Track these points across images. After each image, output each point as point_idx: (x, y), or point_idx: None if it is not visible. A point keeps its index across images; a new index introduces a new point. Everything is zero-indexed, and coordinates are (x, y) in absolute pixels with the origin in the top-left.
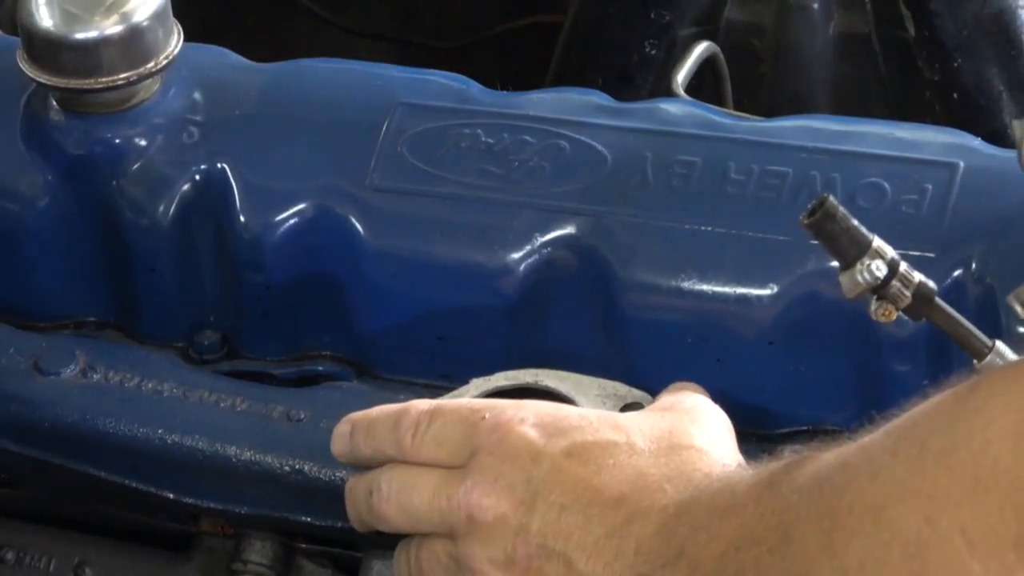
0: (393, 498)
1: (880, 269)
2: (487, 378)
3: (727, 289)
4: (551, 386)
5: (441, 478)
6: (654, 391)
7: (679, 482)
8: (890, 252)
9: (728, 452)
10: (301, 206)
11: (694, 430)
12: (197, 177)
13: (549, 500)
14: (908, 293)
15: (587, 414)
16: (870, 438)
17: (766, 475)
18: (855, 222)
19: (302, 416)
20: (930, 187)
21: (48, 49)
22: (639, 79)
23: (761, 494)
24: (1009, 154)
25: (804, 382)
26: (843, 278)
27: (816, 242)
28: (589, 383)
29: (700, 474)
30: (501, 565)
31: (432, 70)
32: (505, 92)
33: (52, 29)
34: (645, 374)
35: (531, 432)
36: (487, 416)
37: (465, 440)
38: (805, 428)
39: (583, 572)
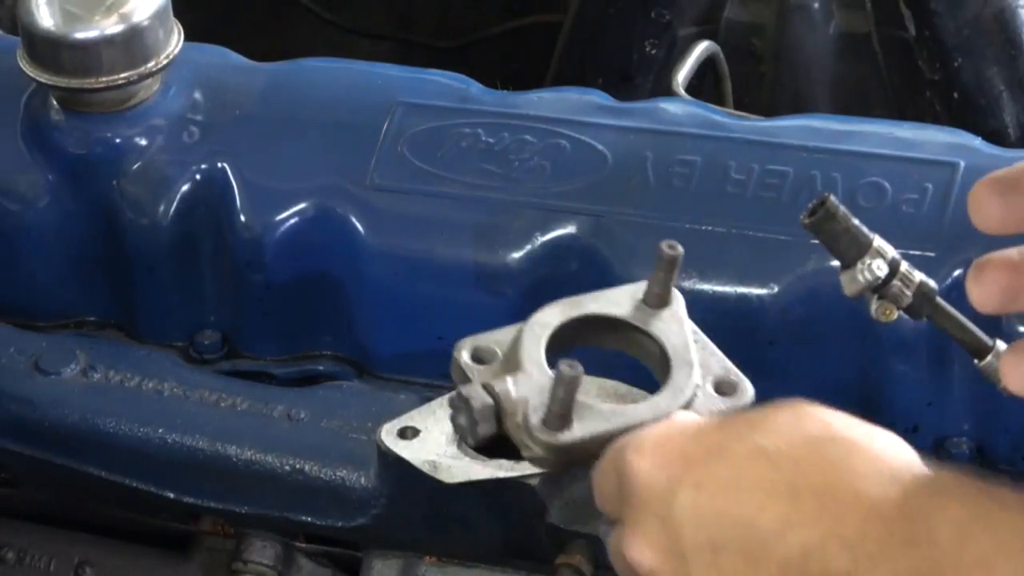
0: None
1: (881, 268)
2: None
3: (727, 289)
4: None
5: (615, 535)
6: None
7: (845, 497)
8: (891, 251)
9: (874, 437)
10: (301, 206)
11: (824, 418)
12: (197, 177)
13: (696, 543)
14: (909, 292)
15: (704, 426)
16: None
17: (977, 548)
18: (856, 221)
19: (302, 416)
20: (931, 187)
21: (48, 49)
22: (639, 79)
23: None
24: (1010, 154)
25: (804, 382)
26: (844, 277)
27: (817, 241)
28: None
29: (862, 479)
30: None
31: (432, 70)
32: (505, 92)
33: (52, 29)
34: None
35: (650, 470)
36: (617, 460)
37: (616, 490)
38: None
39: None
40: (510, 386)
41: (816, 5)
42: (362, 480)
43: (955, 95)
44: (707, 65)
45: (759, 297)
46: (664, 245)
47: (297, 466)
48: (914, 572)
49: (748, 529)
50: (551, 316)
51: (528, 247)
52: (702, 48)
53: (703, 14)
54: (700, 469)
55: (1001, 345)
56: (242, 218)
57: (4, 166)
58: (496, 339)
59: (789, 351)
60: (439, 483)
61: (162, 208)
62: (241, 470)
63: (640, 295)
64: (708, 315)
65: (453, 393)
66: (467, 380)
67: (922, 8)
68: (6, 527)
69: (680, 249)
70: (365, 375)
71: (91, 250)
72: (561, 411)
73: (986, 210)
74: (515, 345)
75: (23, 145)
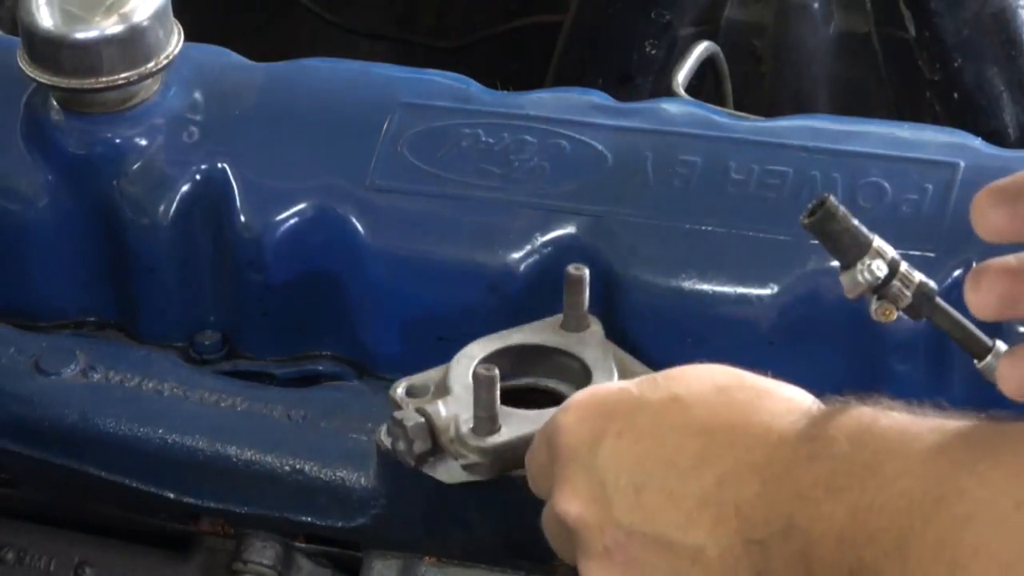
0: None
1: (881, 269)
2: None
3: (727, 289)
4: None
5: (548, 505)
6: None
7: (755, 431)
8: (891, 252)
9: (781, 386)
10: (301, 206)
11: (733, 371)
12: (197, 177)
13: (619, 486)
14: (908, 293)
15: (624, 385)
16: (984, 464)
17: (868, 453)
18: (856, 222)
19: (302, 416)
20: (930, 187)
21: (48, 49)
22: (639, 79)
23: (865, 481)
24: (1009, 154)
25: (804, 382)
26: (844, 278)
27: (816, 242)
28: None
29: (771, 416)
30: (603, 564)
31: (432, 70)
32: (505, 92)
33: (52, 29)
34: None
35: (575, 425)
36: (546, 427)
37: (547, 460)
38: None
39: (686, 546)
40: (440, 406)
41: (816, 5)
42: (362, 480)
43: (955, 95)
44: (707, 65)
45: (759, 297)
46: (570, 268)
47: (297, 466)
48: (814, 484)
49: (667, 468)
50: (476, 349)
51: (528, 247)
52: (702, 48)
53: (703, 14)
54: (621, 419)
55: (1001, 345)
56: (242, 218)
57: (4, 166)
58: (429, 376)
59: (789, 351)
60: (439, 483)
61: (162, 208)
62: (241, 470)
63: (559, 323)
64: (708, 315)
65: (409, 408)
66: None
67: (922, 8)
68: (6, 527)
69: (585, 271)
70: (365, 375)
71: (91, 250)
72: (487, 414)
73: (990, 220)
74: (444, 377)
75: (23, 145)
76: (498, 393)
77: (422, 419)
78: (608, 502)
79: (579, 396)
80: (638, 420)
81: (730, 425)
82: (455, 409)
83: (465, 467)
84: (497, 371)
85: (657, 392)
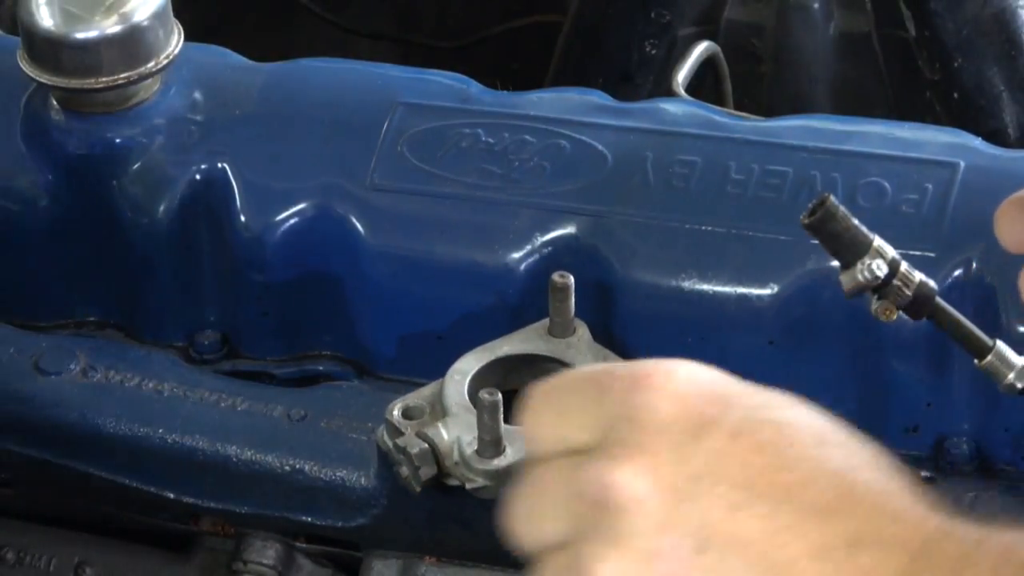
0: (517, 511)
1: (881, 268)
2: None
3: (727, 289)
4: None
5: (568, 463)
6: None
7: (905, 501)
8: (891, 251)
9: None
10: (301, 206)
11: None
12: (197, 177)
13: (715, 492)
14: (909, 292)
15: (743, 383)
16: None
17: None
18: (856, 221)
19: (302, 416)
20: (930, 187)
21: (48, 49)
22: (639, 79)
23: None
24: (1009, 154)
25: (804, 382)
26: (844, 277)
27: (816, 242)
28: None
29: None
30: (633, 563)
31: (432, 70)
32: (505, 92)
33: (52, 29)
34: None
35: (681, 397)
36: (621, 373)
37: (596, 407)
38: None
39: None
40: (441, 429)
41: (816, 5)
42: (362, 480)
43: (955, 95)
44: (707, 65)
45: (759, 297)
46: (555, 275)
47: (297, 466)
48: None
49: (781, 501)
50: (467, 364)
51: (528, 247)
52: (702, 48)
53: (703, 14)
54: (739, 416)
55: (1001, 345)
56: (242, 218)
57: (4, 166)
58: (423, 396)
59: (789, 351)
60: (439, 483)
61: (162, 208)
62: (241, 470)
63: (546, 329)
64: (708, 315)
65: (410, 433)
66: (401, 435)
67: (922, 8)
68: (6, 527)
69: (571, 279)
70: (365, 375)
71: (91, 250)
72: (492, 437)
73: (1017, 230)
74: (439, 396)
75: (23, 145)
76: (501, 417)
77: (426, 445)
78: (690, 503)
79: (692, 367)
80: (761, 429)
81: (871, 504)
82: (456, 431)
83: (472, 490)
84: (500, 396)
85: (785, 410)
